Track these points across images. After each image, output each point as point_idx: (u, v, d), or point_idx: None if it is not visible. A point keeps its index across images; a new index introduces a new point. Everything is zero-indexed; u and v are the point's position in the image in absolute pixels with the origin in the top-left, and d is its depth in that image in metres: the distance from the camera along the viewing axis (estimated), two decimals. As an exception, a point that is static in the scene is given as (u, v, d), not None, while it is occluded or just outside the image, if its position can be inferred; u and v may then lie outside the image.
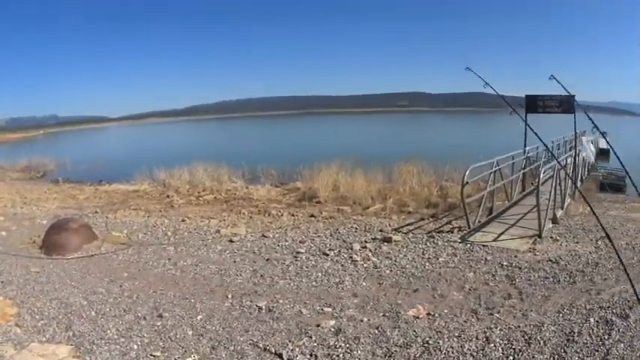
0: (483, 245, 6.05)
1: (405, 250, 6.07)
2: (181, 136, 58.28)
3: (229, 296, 4.94)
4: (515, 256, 5.57)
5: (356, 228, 7.58)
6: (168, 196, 12.42)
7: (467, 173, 6.83)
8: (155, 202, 11.67)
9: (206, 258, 6.44)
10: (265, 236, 7.48)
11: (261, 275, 5.62)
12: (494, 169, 7.65)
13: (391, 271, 5.31)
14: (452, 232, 6.85)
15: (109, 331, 4.01)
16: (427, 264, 5.47)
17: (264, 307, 4.54)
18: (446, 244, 6.23)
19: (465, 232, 6.77)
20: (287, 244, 7.01)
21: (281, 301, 4.69)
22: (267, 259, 6.20)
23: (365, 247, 6.31)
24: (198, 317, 4.34)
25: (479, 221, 7.13)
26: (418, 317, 3.98)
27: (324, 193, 10.64)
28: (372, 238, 6.76)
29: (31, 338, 3.91)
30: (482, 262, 5.45)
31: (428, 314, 4.01)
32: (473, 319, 3.85)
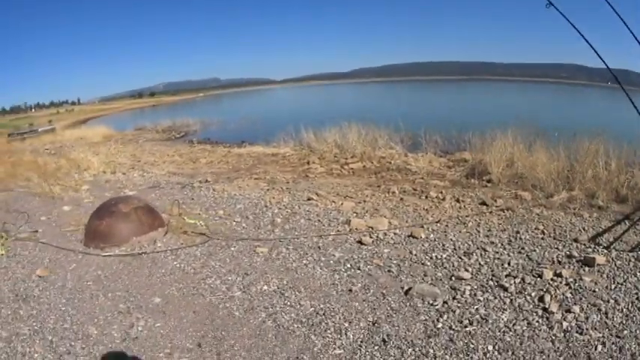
0: None
1: (613, 287, 3.91)
2: (343, 98, 57.81)
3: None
4: None
5: (542, 231, 5.24)
6: (308, 163, 10.84)
7: None
8: (288, 170, 9.98)
9: (306, 278, 3.99)
10: (414, 237, 4.96)
11: (384, 339, 2.95)
12: None
13: (604, 344, 3.07)
14: (661, 251, 4.47)
15: None
16: (652, 326, 3.21)
17: None
18: (662, 277, 4.05)
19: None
20: (444, 255, 4.42)
21: None
22: (405, 291, 3.69)
23: (559, 274, 4.08)
24: None
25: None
26: None
27: (497, 170, 8.30)
28: (567, 255, 4.54)
29: None
30: None
31: None
32: None
